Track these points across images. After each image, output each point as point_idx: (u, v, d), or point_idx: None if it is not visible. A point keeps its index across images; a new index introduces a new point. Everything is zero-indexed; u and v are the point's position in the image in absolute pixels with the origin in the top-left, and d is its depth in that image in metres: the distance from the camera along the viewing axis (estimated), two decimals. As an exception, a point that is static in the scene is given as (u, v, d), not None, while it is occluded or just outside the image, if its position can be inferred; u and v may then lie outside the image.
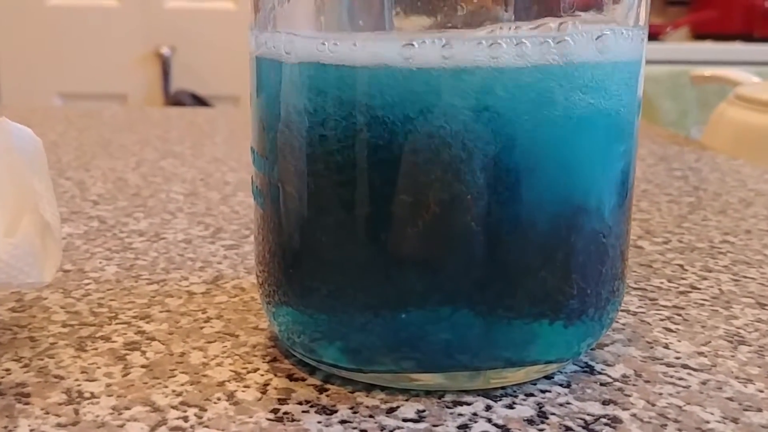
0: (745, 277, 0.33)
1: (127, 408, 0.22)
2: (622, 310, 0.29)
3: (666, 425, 0.21)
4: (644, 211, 0.43)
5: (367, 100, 0.21)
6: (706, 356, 0.26)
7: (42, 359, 0.25)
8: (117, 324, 0.27)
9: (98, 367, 0.24)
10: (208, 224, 0.40)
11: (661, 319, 0.29)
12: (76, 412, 0.22)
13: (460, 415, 0.22)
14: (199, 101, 1.82)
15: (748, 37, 1.88)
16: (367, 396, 0.23)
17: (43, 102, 1.78)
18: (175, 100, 1.83)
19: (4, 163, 0.24)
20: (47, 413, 0.21)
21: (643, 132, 0.71)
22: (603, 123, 0.23)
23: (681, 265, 0.35)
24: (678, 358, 0.25)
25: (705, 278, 0.33)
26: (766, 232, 0.40)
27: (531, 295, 0.23)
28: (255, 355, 0.25)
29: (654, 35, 1.78)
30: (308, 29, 0.22)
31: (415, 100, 0.21)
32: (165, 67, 1.88)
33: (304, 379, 0.24)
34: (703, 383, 0.24)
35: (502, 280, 0.22)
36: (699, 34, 2.02)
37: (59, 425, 0.21)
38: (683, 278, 0.33)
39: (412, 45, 0.20)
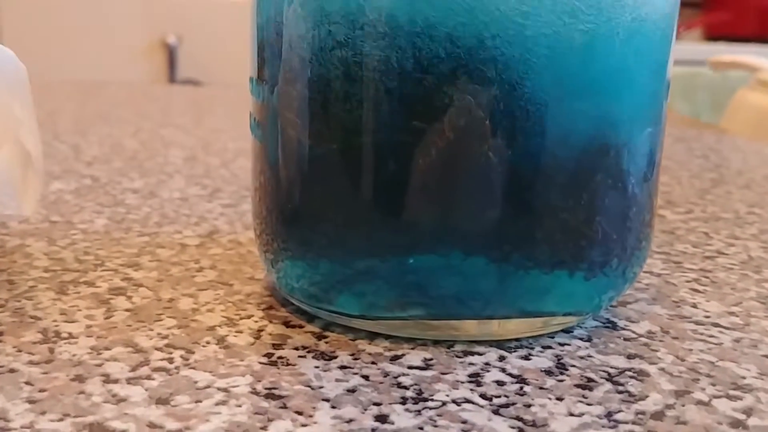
0: (774, 245, 0.31)
1: (107, 348, 0.20)
2: (645, 272, 0.27)
3: (698, 379, 0.19)
4: (665, 184, 0.41)
5: (376, 15, 0.19)
6: (737, 316, 0.24)
7: (19, 301, 0.23)
8: (103, 271, 0.26)
9: (79, 310, 0.22)
10: (206, 185, 0.38)
11: (687, 281, 0.27)
12: (51, 351, 0.20)
13: (471, 364, 0.20)
14: (206, 91, 1.80)
15: (761, 39, 1.86)
16: (369, 344, 0.21)
17: (48, 88, 1.77)
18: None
19: (-18, 85, 0.22)
20: (19, 351, 0.20)
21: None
22: (636, 57, 0.21)
23: (706, 233, 0.33)
24: (707, 317, 0.23)
25: (732, 245, 0.31)
26: (793, 206, 0.38)
27: (551, 239, 0.21)
28: (249, 303, 0.23)
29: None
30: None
31: (428, 15, 0.19)
32: (171, 56, 1.87)
33: (301, 327, 0.22)
34: (737, 341, 0.22)
35: (521, 221, 0.20)
36: (712, 36, 2.00)
37: (31, 362, 0.19)
38: (709, 244, 0.31)
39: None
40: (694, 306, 0.24)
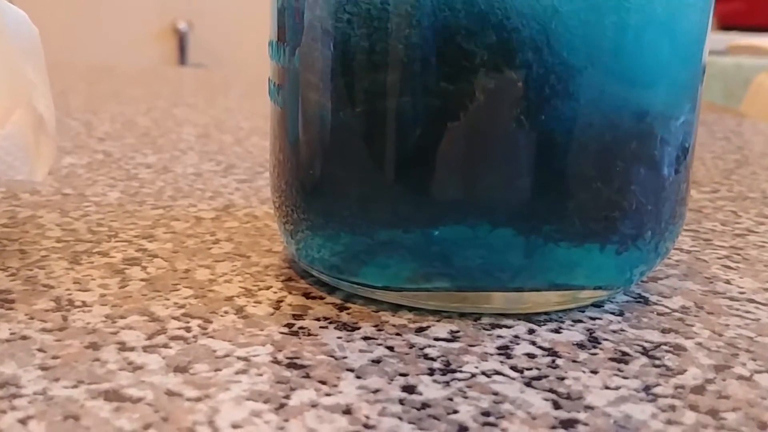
0: (805, 224, 0.30)
1: (122, 317, 0.19)
2: (674, 249, 0.26)
3: (737, 354, 0.19)
4: (686, 166, 0.41)
5: (405, -30, 0.18)
6: (773, 292, 0.23)
7: (31, 269, 0.22)
8: (117, 242, 0.25)
9: (93, 279, 0.22)
10: (220, 161, 0.37)
11: (719, 258, 0.26)
12: (65, 318, 0.19)
13: (500, 337, 0.19)
14: (216, 78, 1.80)
15: (776, 29, 1.84)
16: (393, 315, 0.20)
17: (59, 73, 1.76)
18: (191, 75, 1.81)
19: (-6, 46, 0.21)
20: (32, 318, 0.19)
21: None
22: (673, 29, 0.20)
23: (734, 212, 0.32)
24: (742, 293, 0.23)
25: (762, 223, 0.30)
26: (821, 187, 0.37)
27: (583, 211, 0.20)
28: (268, 275, 0.23)
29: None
30: None
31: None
32: (182, 42, 1.86)
33: (322, 298, 0.21)
34: (774, 317, 0.21)
35: (551, 192, 0.20)
36: (726, 26, 1.98)
37: (44, 330, 0.18)
38: (738, 223, 0.30)
39: None
40: (728, 282, 0.23)
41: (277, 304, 0.20)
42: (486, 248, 0.20)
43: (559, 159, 0.20)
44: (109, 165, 0.36)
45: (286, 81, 0.21)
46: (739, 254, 0.26)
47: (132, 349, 0.18)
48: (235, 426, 0.15)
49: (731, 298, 0.22)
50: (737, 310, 0.21)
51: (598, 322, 0.20)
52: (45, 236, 0.25)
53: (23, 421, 0.14)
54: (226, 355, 0.17)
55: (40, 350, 0.17)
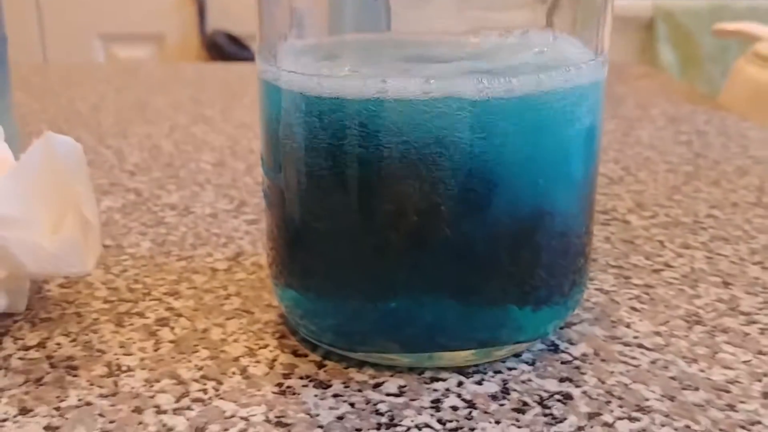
0: (719, 254, 0.36)
1: (157, 381, 0.26)
2: (596, 289, 0.33)
3: (610, 402, 0.25)
4: (641, 182, 0.46)
5: (353, 129, 0.24)
6: (661, 336, 0.29)
7: (87, 334, 0.29)
8: (150, 300, 0.32)
9: (134, 342, 0.28)
10: (233, 197, 0.44)
11: (630, 298, 0.32)
12: (116, 384, 0.26)
13: (435, 390, 0.26)
14: (236, 42, 1.85)
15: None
16: (358, 372, 0.27)
17: (84, 44, 1.82)
18: (211, 41, 1.86)
19: (50, 170, 0.28)
20: (92, 385, 0.26)
21: (660, 90, 0.73)
22: (565, 144, 0.26)
23: (661, 242, 0.38)
24: (636, 337, 0.29)
25: (681, 255, 0.36)
26: (752, 204, 0.43)
27: (501, 285, 0.26)
28: (266, 332, 0.29)
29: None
30: (302, 66, 0.25)
31: (393, 129, 0.24)
32: (201, 7, 1.90)
33: (306, 355, 0.28)
34: (653, 362, 0.27)
35: (476, 275, 0.26)
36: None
37: (101, 395, 0.25)
38: (660, 255, 0.36)
39: (385, 82, 0.24)
40: (628, 326, 0.30)
41: (272, 363, 0.27)
42: (430, 315, 0.26)
43: (477, 252, 0.26)
44: (140, 207, 0.42)
45: (272, 193, 0.27)
46: (648, 293, 0.32)
47: (165, 411, 0.24)
48: (236, 480, 0.21)
49: (625, 344, 0.28)
50: (625, 356, 0.28)
51: (512, 372, 0.27)
52: (94, 296, 0.32)
53: (95, 481, 0.21)
54: (232, 416, 0.24)
55: (100, 415, 0.24)
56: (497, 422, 0.24)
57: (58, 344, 0.28)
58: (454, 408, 0.25)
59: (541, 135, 0.25)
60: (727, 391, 0.25)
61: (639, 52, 1.74)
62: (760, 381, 0.26)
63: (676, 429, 0.24)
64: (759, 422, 0.24)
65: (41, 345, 0.28)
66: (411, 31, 0.27)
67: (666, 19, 1.69)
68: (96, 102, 0.68)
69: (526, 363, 0.27)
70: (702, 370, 0.27)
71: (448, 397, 0.25)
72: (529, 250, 0.26)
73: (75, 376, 0.26)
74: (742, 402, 0.25)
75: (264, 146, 0.28)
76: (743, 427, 0.24)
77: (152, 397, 0.25)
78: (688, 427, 0.24)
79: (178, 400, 0.25)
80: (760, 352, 0.28)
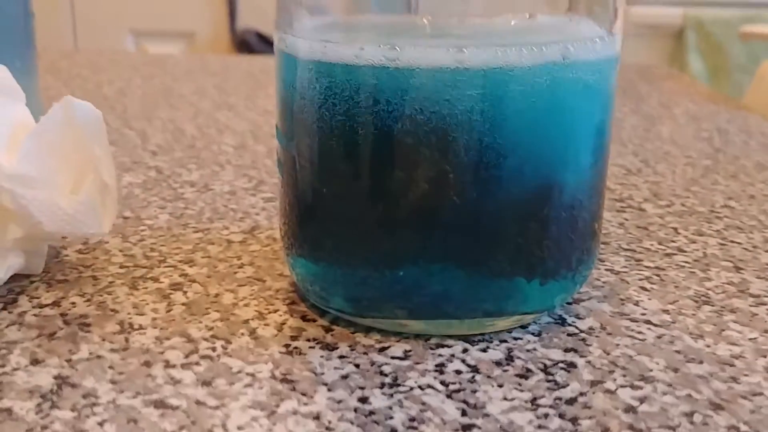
0: (733, 241, 0.36)
1: (168, 338, 0.27)
2: (607, 269, 0.33)
3: (613, 371, 0.25)
4: (659, 174, 0.46)
5: (365, 95, 0.25)
6: (669, 313, 0.29)
7: (101, 295, 0.30)
8: (165, 267, 0.32)
9: (147, 304, 0.29)
10: (252, 177, 0.44)
11: (640, 279, 0.32)
12: (127, 340, 0.26)
13: (440, 355, 0.26)
14: (266, 41, 1.86)
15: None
16: (365, 336, 0.27)
17: (116, 40, 1.85)
18: (240, 39, 1.88)
19: (69, 133, 0.29)
20: (103, 340, 0.26)
21: (684, 90, 0.73)
22: (576, 117, 0.26)
23: (675, 228, 0.38)
24: (643, 314, 0.29)
25: (694, 242, 0.36)
26: (770, 197, 0.42)
27: (509, 257, 0.26)
28: (277, 299, 0.30)
29: (725, -21, 1.73)
30: (318, 34, 0.26)
31: (404, 97, 0.24)
32: (232, 5, 1.92)
33: (314, 320, 0.28)
34: (659, 337, 0.27)
35: (484, 245, 0.26)
36: None
37: (112, 350, 0.26)
38: (673, 241, 0.36)
39: (395, 49, 0.24)
40: (636, 304, 0.30)
41: (281, 326, 0.28)
42: (437, 284, 0.27)
43: (486, 222, 0.26)
44: (160, 183, 0.43)
45: (286, 161, 0.28)
46: (659, 275, 0.32)
47: (173, 366, 0.25)
48: (239, 428, 0.22)
49: (632, 320, 0.29)
50: (632, 331, 0.28)
51: (518, 342, 0.27)
52: (111, 262, 0.33)
53: (101, 424, 0.22)
54: (239, 372, 0.25)
55: (110, 367, 0.25)
56: (500, 386, 0.24)
57: (73, 303, 0.29)
58: (458, 372, 0.25)
59: (553, 106, 0.25)
60: (731, 365, 0.25)
61: (668, 61, 1.73)
62: (765, 357, 0.26)
63: (677, 397, 0.24)
64: (761, 393, 0.24)
65: (56, 304, 0.29)
66: (428, 12, 0.28)
67: (696, 28, 1.68)
68: (122, 87, 0.69)
69: (532, 334, 0.27)
70: (708, 346, 0.27)
71: (452, 362, 0.26)
72: (537, 221, 0.26)
73: (87, 332, 0.27)
74: (745, 375, 0.25)
75: (279, 115, 0.28)
76: (745, 398, 0.24)
77: (162, 353, 0.26)
78: (689, 396, 0.24)
79: (187, 356, 0.26)
80: (767, 331, 0.28)
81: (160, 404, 0.23)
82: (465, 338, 0.27)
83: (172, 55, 0.89)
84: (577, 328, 0.28)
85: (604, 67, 0.26)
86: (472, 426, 0.22)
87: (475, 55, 0.24)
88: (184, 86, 0.70)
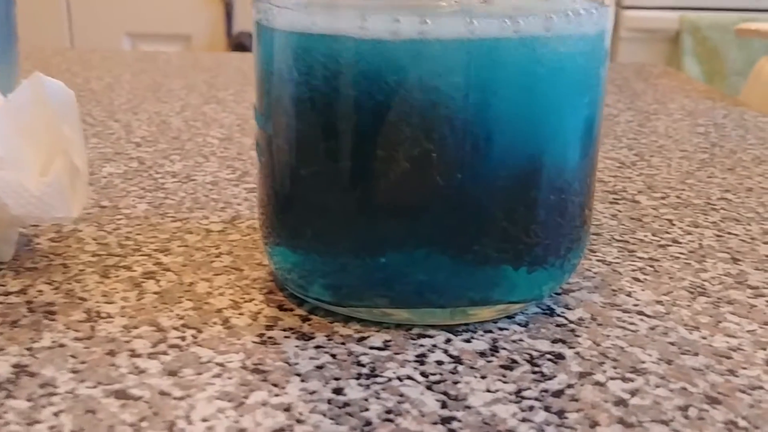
0: (730, 233, 0.35)
1: (136, 327, 0.25)
2: (598, 260, 0.31)
3: (603, 363, 0.24)
4: (654, 167, 0.45)
5: (345, 67, 0.23)
6: (663, 305, 0.28)
7: (70, 283, 0.28)
8: (139, 255, 0.31)
9: (117, 292, 0.28)
10: (236, 168, 0.43)
11: (633, 270, 0.31)
12: (93, 329, 0.25)
13: (422, 346, 0.25)
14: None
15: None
16: (343, 326, 0.26)
17: (113, 43, 1.84)
18: (237, 42, 1.87)
19: (38, 113, 0.27)
20: (68, 328, 0.25)
21: (679, 87, 0.71)
22: (563, 93, 0.25)
23: (670, 220, 0.36)
24: (636, 305, 0.28)
25: (689, 233, 0.35)
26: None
27: (494, 242, 0.25)
28: (254, 288, 0.28)
29: (723, -18, 1.72)
30: (294, 4, 0.24)
31: (382, 70, 0.23)
32: (228, 8, 1.91)
33: (292, 310, 0.27)
34: (652, 328, 0.26)
35: (469, 229, 0.25)
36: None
37: (76, 339, 0.24)
38: (668, 233, 0.35)
39: (398, 21, 0.23)
40: (629, 295, 0.29)
41: (256, 316, 0.26)
42: (421, 271, 0.25)
43: (470, 204, 0.25)
44: (141, 174, 0.42)
45: (264, 143, 0.27)
46: (652, 266, 0.31)
47: (139, 355, 0.24)
48: (204, 420, 0.21)
49: (624, 311, 0.27)
50: (624, 322, 0.26)
51: (504, 332, 0.26)
52: (83, 250, 0.31)
53: (57, 414, 0.21)
54: (208, 361, 0.23)
55: (72, 356, 0.23)
56: (483, 377, 0.23)
57: (40, 291, 0.28)
58: (439, 362, 0.24)
59: (538, 81, 0.24)
60: (729, 357, 0.24)
61: (664, 65, 1.72)
62: (764, 349, 0.25)
63: (671, 390, 0.22)
64: (761, 387, 0.23)
65: (22, 291, 0.28)
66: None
67: (692, 32, 1.67)
68: (111, 82, 0.68)
69: (519, 324, 0.26)
70: (704, 337, 0.26)
71: (434, 352, 0.24)
72: (524, 205, 0.25)
73: (52, 320, 0.26)
74: (743, 368, 0.24)
75: (256, 94, 0.27)
76: (743, 392, 0.22)
77: (128, 342, 0.24)
78: (684, 389, 0.22)
79: (154, 346, 0.24)
80: (767, 323, 0.27)
81: (121, 394, 0.22)
82: (448, 328, 0.26)
83: (164, 52, 0.87)
84: (566, 318, 0.27)
85: (593, 41, 0.25)
86: (452, 419, 0.21)
87: (444, 26, 0.23)
88: (174, 82, 0.69)
